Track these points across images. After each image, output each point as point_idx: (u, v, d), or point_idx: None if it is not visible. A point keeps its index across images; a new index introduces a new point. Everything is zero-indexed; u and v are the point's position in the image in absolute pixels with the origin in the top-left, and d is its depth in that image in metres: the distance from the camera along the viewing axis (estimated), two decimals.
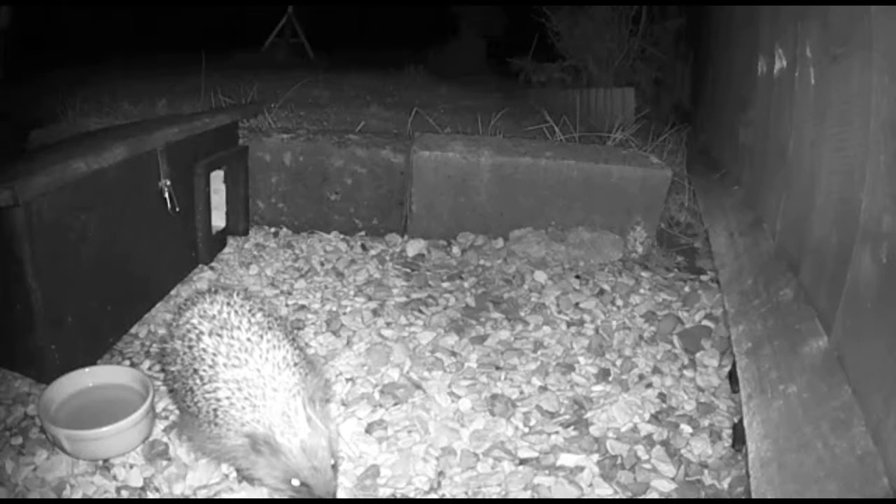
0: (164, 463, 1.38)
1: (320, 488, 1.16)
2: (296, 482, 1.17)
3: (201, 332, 1.30)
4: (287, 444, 1.16)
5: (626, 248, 2.51)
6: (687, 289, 2.27)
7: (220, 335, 1.28)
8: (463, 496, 1.35)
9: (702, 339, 1.95)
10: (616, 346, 1.93)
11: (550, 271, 2.35)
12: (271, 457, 1.17)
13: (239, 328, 1.30)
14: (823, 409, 1.02)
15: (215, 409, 1.22)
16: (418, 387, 1.68)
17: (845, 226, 1.13)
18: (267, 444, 1.16)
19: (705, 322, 2.05)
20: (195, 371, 1.26)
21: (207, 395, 1.23)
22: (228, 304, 1.36)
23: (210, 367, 1.25)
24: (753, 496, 1.05)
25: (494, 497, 1.35)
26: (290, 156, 2.52)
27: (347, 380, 1.69)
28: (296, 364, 1.29)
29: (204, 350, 1.27)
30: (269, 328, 1.33)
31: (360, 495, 1.34)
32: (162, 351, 1.44)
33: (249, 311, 1.36)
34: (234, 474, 1.35)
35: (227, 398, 1.21)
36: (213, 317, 1.32)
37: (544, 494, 1.36)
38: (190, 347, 1.29)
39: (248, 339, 1.28)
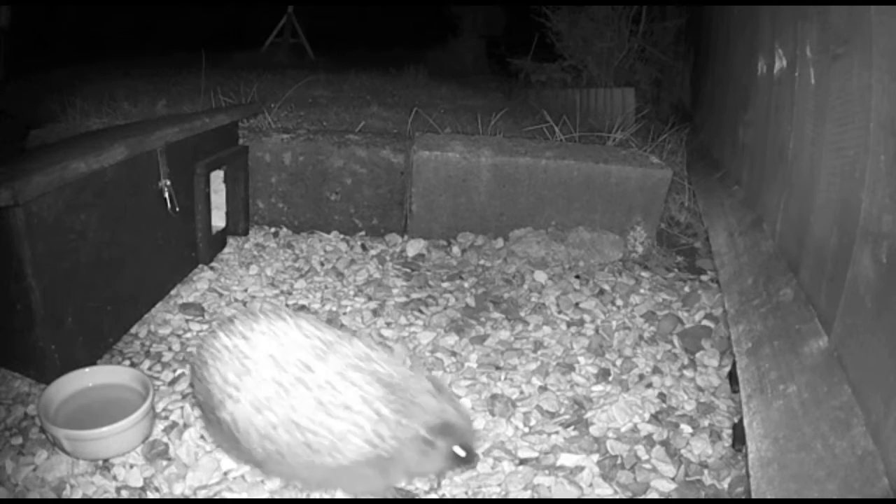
0: (164, 463, 1.38)
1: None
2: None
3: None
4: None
5: (626, 248, 2.51)
6: (687, 289, 2.27)
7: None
8: (463, 496, 1.35)
9: (702, 339, 1.95)
10: (616, 346, 1.93)
11: (550, 271, 2.35)
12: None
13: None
14: (823, 409, 1.02)
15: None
16: None
17: (845, 226, 1.12)
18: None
19: (705, 322, 2.05)
20: None
21: None
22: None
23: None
24: (753, 496, 1.04)
25: (494, 497, 1.35)
26: (290, 156, 2.52)
27: None
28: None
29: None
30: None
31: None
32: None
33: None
34: (234, 474, 1.35)
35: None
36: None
37: (544, 494, 1.36)
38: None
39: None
